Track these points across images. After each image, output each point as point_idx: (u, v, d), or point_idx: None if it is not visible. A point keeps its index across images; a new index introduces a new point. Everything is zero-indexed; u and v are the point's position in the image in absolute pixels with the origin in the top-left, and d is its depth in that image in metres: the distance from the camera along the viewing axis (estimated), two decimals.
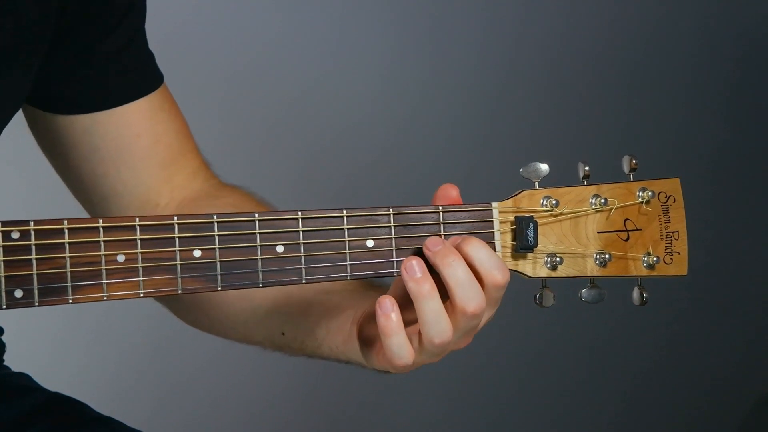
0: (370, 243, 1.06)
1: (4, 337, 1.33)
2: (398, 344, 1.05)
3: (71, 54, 1.21)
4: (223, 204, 1.26)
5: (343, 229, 1.06)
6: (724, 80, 2.92)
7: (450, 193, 1.09)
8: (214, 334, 1.29)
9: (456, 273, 1.04)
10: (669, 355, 2.91)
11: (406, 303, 1.05)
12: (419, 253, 1.06)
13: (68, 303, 0.99)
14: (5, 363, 1.33)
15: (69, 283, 0.99)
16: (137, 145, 1.25)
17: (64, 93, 1.23)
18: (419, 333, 1.05)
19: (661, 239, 1.12)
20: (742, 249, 2.94)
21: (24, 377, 1.33)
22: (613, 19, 2.81)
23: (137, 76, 1.26)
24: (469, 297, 1.04)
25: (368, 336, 1.11)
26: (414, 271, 1.03)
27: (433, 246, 1.05)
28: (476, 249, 1.05)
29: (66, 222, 0.99)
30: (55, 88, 1.22)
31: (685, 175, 1.15)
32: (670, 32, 2.86)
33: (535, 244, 1.08)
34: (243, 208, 1.26)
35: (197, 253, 1.02)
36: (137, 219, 1.01)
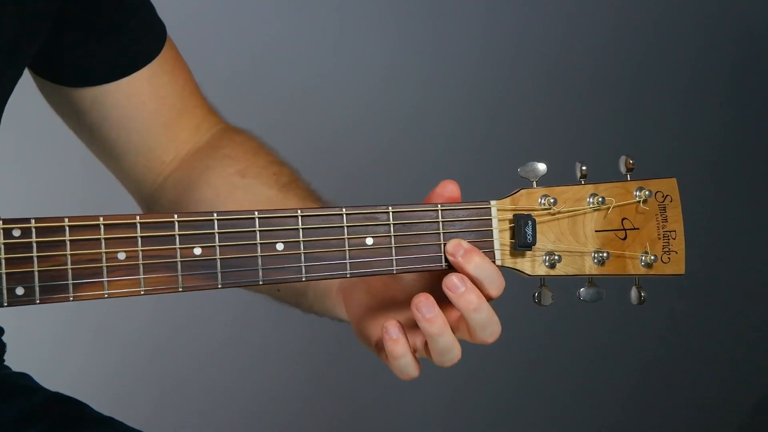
0: (369, 241, 1.07)
1: (4, 337, 1.33)
2: (405, 364, 1.07)
3: (78, 31, 1.22)
4: (221, 156, 1.29)
5: (342, 227, 1.06)
6: (721, 80, 2.92)
7: (448, 188, 1.10)
8: None
9: (480, 317, 1.05)
10: (668, 354, 2.91)
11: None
12: (420, 252, 1.07)
13: (69, 300, 0.99)
14: (5, 363, 1.33)
15: (70, 281, 0.99)
16: (143, 111, 1.28)
17: (72, 67, 1.25)
18: (427, 349, 1.08)
19: (659, 238, 1.12)
20: (740, 248, 2.94)
21: (24, 377, 1.33)
22: (611, 18, 2.81)
23: (142, 45, 1.28)
24: (489, 333, 1.07)
25: (374, 337, 1.12)
26: (426, 311, 1.05)
27: (454, 288, 1.05)
28: (480, 268, 1.06)
29: (67, 220, 0.99)
30: (63, 62, 1.24)
31: (682, 175, 1.15)
32: (668, 31, 2.86)
33: (534, 242, 1.09)
34: (240, 159, 1.28)
35: (197, 251, 1.02)
36: (138, 217, 1.01)
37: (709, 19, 2.89)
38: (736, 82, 2.93)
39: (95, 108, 1.27)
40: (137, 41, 1.27)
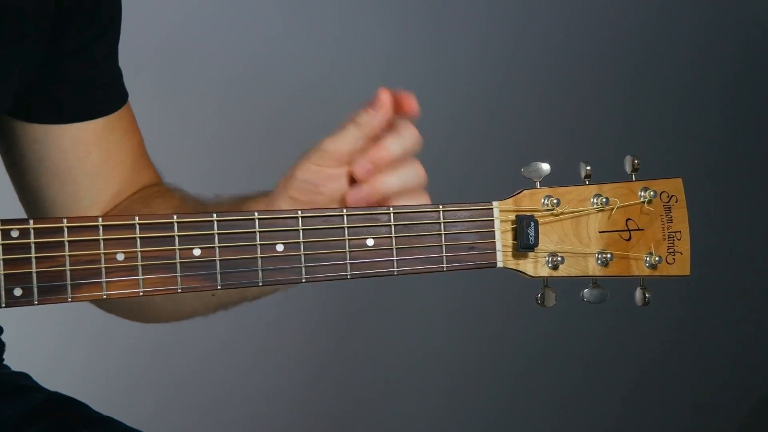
0: (370, 242, 1.06)
1: (3, 336, 1.33)
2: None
3: (46, 62, 1.20)
4: (149, 210, 1.26)
5: (343, 228, 1.06)
6: (726, 80, 2.91)
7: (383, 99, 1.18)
8: (142, 321, 1.29)
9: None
10: (669, 354, 2.91)
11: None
12: (422, 253, 1.07)
13: (68, 301, 0.99)
14: (5, 362, 1.33)
15: (68, 282, 0.98)
16: (87, 162, 1.25)
17: (27, 100, 1.22)
18: None
19: (664, 239, 1.12)
20: (742, 249, 2.93)
21: (24, 376, 1.33)
22: (615, 18, 2.81)
23: (100, 96, 1.25)
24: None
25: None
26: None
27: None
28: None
29: (65, 221, 0.99)
30: (19, 92, 1.21)
31: (687, 175, 1.14)
32: (672, 32, 2.86)
33: (536, 243, 1.08)
34: (161, 209, 1.25)
35: (197, 252, 1.02)
36: (137, 218, 1.00)
37: (710, 18, 2.88)
38: (739, 81, 2.92)
39: (36, 147, 1.24)
40: (97, 90, 1.24)
